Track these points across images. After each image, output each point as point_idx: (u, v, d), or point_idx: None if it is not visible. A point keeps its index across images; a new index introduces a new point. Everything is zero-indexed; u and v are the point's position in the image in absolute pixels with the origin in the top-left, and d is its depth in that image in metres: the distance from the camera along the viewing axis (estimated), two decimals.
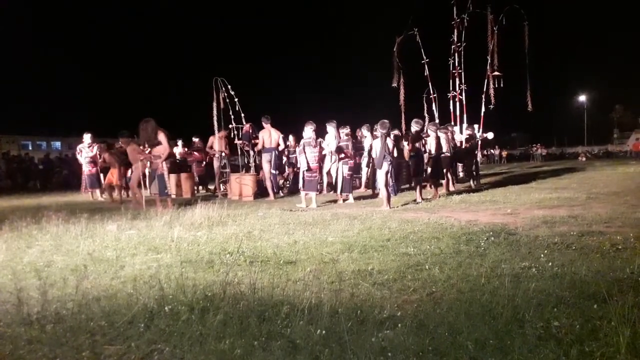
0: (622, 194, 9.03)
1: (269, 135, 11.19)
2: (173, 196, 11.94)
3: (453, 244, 4.78)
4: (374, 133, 10.86)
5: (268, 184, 11.34)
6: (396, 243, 4.94)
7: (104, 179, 12.23)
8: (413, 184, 9.72)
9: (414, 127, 9.48)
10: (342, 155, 9.91)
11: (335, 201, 9.84)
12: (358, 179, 13.63)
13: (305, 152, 9.14)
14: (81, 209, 8.61)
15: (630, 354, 2.19)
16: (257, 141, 12.27)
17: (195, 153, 14.54)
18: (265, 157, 11.23)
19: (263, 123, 11.30)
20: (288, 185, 12.97)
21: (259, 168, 13.11)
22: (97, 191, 12.73)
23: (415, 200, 9.00)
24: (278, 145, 11.35)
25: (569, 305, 2.85)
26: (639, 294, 2.92)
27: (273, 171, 11.10)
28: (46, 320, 2.91)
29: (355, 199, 10.17)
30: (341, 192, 9.83)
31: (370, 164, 9.70)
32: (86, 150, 12.70)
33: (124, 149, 10.60)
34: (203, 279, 3.74)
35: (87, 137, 12.81)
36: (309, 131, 9.29)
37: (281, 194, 11.67)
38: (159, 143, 9.01)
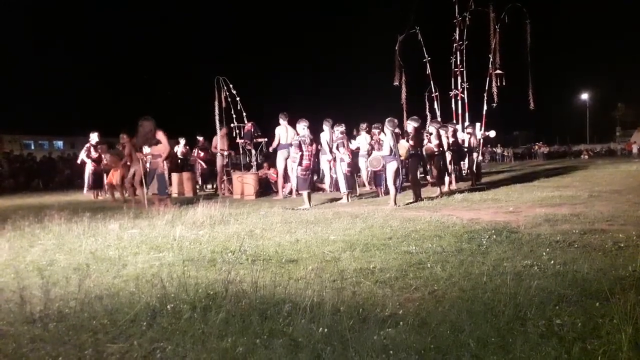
0: (625, 192, 9.01)
1: (285, 132, 11.18)
2: (175, 195, 11.98)
3: (455, 242, 4.78)
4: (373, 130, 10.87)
5: (279, 181, 11.33)
6: (398, 241, 4.93)
7: (106, 178, 12.26)
8: (411, 183, 9.69)
9: (413, 124, 9.41)
10: (341, 152, 9.90)
11: (336, 199, 9.84)
12: (359, 177, 13.63)
13: (300, 150, 9.10)
14: (83, 208, 8.63)
15: (633, 351, 2.19)
16: (260, 140, 12.27)
17: (200, 152, 14.57)
18: (282, 153, 11.22)
19: (280, 120, 11.27)
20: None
21: (260, 167, 13.13)
22: (100, 190, 12.77)
23: (415, 199, 8.98)
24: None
25: (571, 303, 2.85)
26: None
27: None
28: (49, 319, 2.91)
29: (356, 197, 10.17)
30: (346, 189, 9.80)
31: (374, 162, 9.66)
32: (92, 149, 12.72)
33: (125, 148, 10.62)
34: (205, 278, 3.75)
35: (94, 136, 12.81)
36: (301, 129, 9.26)
37: (287, 192, 11.61)
38: (158, 142, 9.00)
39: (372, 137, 10.86)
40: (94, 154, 12.62)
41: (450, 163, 11.07)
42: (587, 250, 4.20)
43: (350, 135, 11.61)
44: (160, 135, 9.01)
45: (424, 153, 9.86)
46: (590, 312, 2.68)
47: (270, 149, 12.32)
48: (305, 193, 9.01)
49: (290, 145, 11.02)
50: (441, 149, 10.38)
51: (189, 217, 6.88)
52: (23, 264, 4.46)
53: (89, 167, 12.72)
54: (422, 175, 12.60)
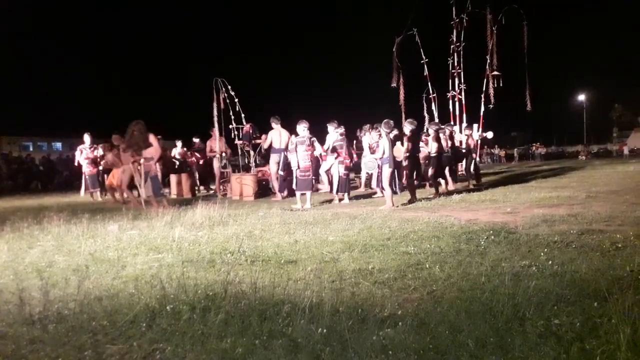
0: (622, 192, 9.03)
1: (279, 136, 11.12)
2: (173, 196, 11.98)
3: (453, 242, 4.79)
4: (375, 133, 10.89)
5: (275, 184, 11.32)
6: (396, 242, 4.94)
7: (107, 179, 12.24)
8: (407, 184, 9.70)
9: (409, 127, 9.44)
10: (336, 155, 9.92)
11: (331, 201, 9.83)
12: (358, 179, 13.65)
13: (297, 151, 9.12)
14: (82, 210, 8.62)
15: (631, 351, 2.20)
16: (259, 141, 12.24)
17: (196, 154, 14.56)
18: (274, 157, 11.15)
19: (272, 124, 11.16)
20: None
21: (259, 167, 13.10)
22: (98, 192, 12.75)
23: (411, 200, 8.98)
24: (287, 146, 11.26)
25: (569, 304, 2.86)
26: (639, 292, 2.93)
27: (281, 172, 11.01)
28: (48, 320, 2.91)
29: (355, 198, 10.18)
30: (337, 191, 9.82)
31: (369, 164, 9.69)
32: (87, 150, 12.73)
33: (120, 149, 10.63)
34: (204, 279, 3.76)
35: (87, 138, 12.86)
36: (302, 130, 9.27)
37: (279, 196, 11.60)
38: (149, 145, 9.04)
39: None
40: (88, 156, 12.62)
41: (447, 164, 11.09)
42: (584, 251, 4.21)
43: (351, 136, 11.61)
44: (151, 138, 9.06)
45: (420, 158, 9.90)
46: (589, 312, 2.69)
47: (263, 150, 12.29)
48: (298, 194, 9.04)
49: (284, 149, 11.02)
50: (439, 151, 10.41)
51: (188, 218, 6.88)
52: (22, 266, 4.46)
53: (86, 169, 12.72)
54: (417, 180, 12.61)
